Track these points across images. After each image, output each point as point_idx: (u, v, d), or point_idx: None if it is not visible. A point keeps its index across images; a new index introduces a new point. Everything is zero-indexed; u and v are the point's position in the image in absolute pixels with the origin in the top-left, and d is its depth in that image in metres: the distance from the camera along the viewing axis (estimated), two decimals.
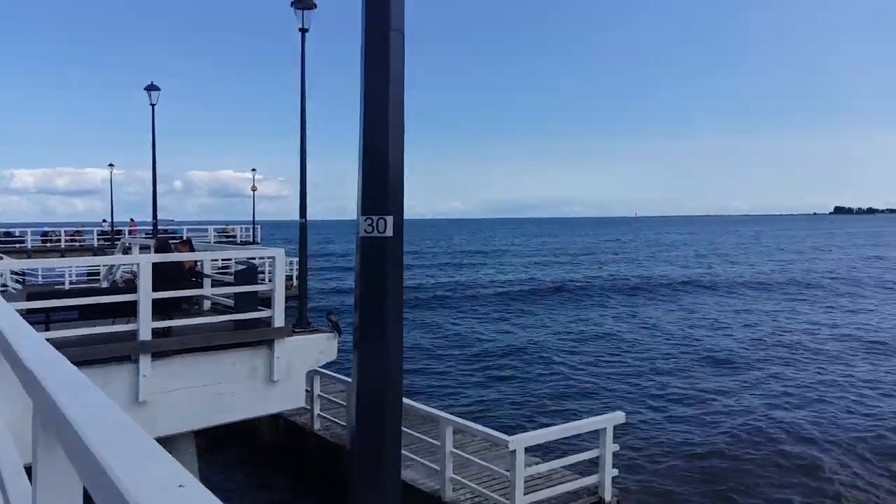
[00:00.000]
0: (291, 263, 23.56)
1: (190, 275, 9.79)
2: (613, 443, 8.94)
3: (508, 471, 8.13)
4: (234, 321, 8.82)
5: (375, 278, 3.44)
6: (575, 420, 9.33)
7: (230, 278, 10.70)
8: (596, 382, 18.80)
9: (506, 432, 8.48)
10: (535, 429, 9.68)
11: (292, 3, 13.48)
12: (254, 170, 52.86)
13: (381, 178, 3.45)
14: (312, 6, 13.21)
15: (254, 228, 50.32)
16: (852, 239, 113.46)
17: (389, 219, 3.39)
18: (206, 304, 10.59)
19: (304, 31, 13.87)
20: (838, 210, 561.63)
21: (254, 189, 51.92)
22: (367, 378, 3.53)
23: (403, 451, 9.83)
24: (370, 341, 3.47)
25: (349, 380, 10.62)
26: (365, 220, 3.38)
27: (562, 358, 21.99)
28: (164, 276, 8.26)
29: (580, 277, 48.25)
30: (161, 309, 8.36)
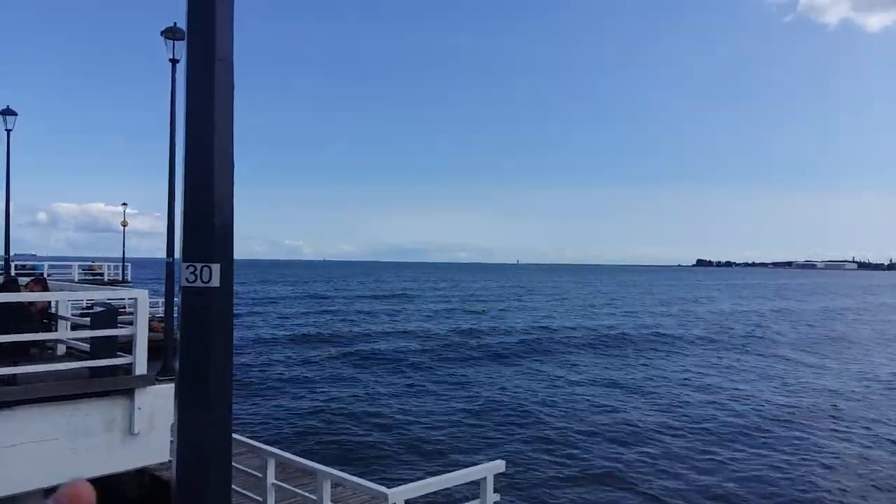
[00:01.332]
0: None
1: (41, 317, 8.90)
2: (494, 492, 8.85)
3: None
4: (90, 368, 8.05)
5: (199, 334, 2.94)
6: (457, 469, 9.15)
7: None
8: (479, 430, 18.80)
9: (386, 485, 8.19)
10: (417, 480, 9.43)
11: (162, 33, 13.27)
12: (125, 203, 50.63)
13: (205, 220, 3.01)
14: (182, 37, 12.90)
15: (123, 266, 47.47)
16: (727, 289, 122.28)
17: (216, 267, 2.96)
18: (62, 349, 9.64)
19: (174, 61, 13.78)
20: (700, 262, 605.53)
21: (124, 224, 49.52)
22: (187, 452, 2.94)
23: None
24: (191, 405, 2.95)
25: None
26: (187, 268, 2.93)
27: (441, 406, 21.90)
28: (9, 317, 7.44)
29: (466, 326, 48.74)
30: (6, 354, 7.50)
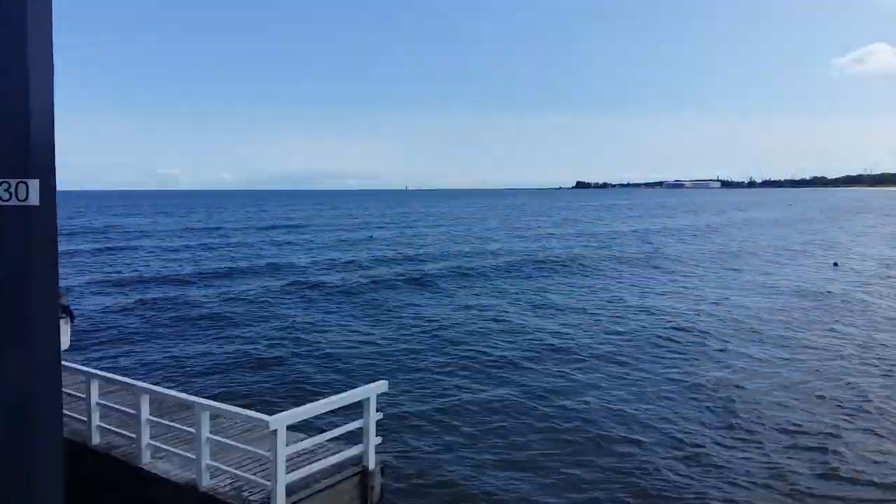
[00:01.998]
0: None
1: None
2: (377, 412, 9.05)
3: (269, 451, 7.84)
4: None
5: (16, 259, 2.62)
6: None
7: None
8: (366, 356, 19.02)
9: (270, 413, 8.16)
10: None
11: None
12: None
13: (18, 128, 2.62)
14: None
15: None
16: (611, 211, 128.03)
17: (34, 183, 2.64)
18: None
19: None
20: (580, 184, 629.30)
21: None
22: (6, 390, 2.65)
23: (156, 443, 9.13)
24: (9, 340, 2.63)
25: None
26: (0, 185, 2.60)
27: (325, 336, 21.92)
28: None
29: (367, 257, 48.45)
30: None
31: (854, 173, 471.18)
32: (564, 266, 38.72)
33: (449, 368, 17.40)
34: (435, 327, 22.30)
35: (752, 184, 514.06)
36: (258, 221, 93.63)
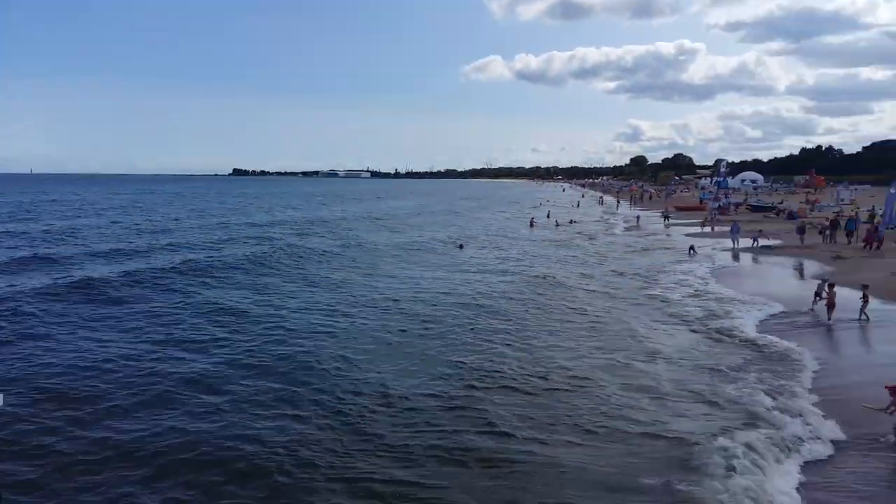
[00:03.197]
0: None
1: None
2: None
3: None
4: None
5: None
6: None
7: None
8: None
9: None
10: None
11: None
12: None
13: None
14: None
15: None
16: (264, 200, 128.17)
17: None
18: None
19: None
20: (237, 172, 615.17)
21: None
22: None
23: None
24: None
25: None
26: None
27: None
28: None
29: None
30: None
31: (479, 167, 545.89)
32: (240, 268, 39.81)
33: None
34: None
35: (397, 174, 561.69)
36: None
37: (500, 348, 20.04)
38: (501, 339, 21.20)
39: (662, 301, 27.26)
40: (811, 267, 34.98)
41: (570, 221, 72.41)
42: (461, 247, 48.32)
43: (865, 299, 22.55)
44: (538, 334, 21.84)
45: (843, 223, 45.58)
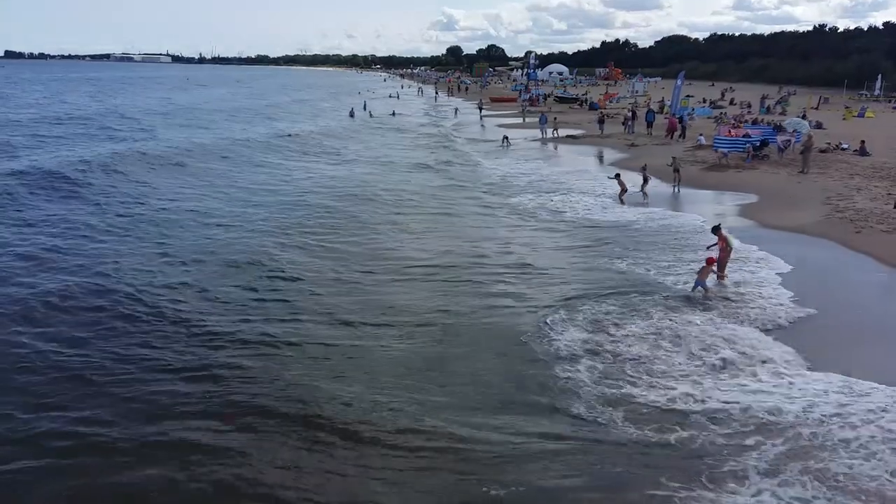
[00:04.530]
0: None
1: None
2: None
3: None
4: None
5: None
6: None
7: None
8: None
9: None
10: None
11: None
12: None
13: None
14: None
15: None
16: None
17: None
18: None
19: None
20: (9, 54, 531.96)
21: None
22: None
23: None
24: None
25: None
26: None
27: None
28: None
29: None
30: None
31: (292, 53, 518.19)
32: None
33: None
34: None
35: (202, 60, 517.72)
36: None
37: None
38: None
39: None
40: (609, 154, 39.15)
41: (393, 113, 72.41)
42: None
43: (645, 180, 26.98)
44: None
45: (641, 114, 50.60)
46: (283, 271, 17.00)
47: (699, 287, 15.30)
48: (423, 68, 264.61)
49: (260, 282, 16.28)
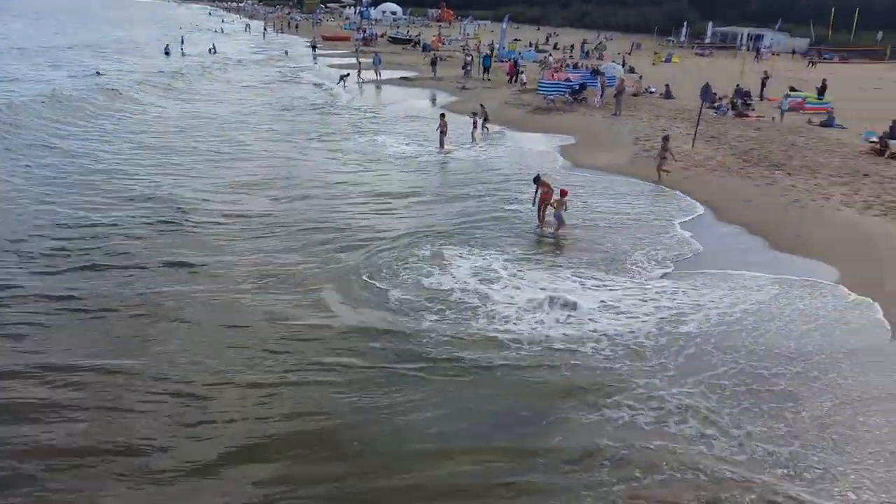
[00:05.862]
0: None
1: None
2: None
3: None
4: None
5: None
6: None
7: None
8: None
9: None
10: None
11: None
12: None
13: None
14: None
15: None
16: None
17: None
18: None
19: None
20: None
21: None
22: None
23: None
24: None
25: None
26: None
27: None
28: None
29: None
30: None
31: None
32: None
33: None
34: None
35: None
36: None
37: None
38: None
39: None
40: (441, 96, 39.84)
41: (210, 50, 67.18)
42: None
43: (476, 122, 28.59)
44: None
45: (477, 58, 50.28)
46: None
47: (556, 218, 16.71)
48: (250, 2, 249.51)
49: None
